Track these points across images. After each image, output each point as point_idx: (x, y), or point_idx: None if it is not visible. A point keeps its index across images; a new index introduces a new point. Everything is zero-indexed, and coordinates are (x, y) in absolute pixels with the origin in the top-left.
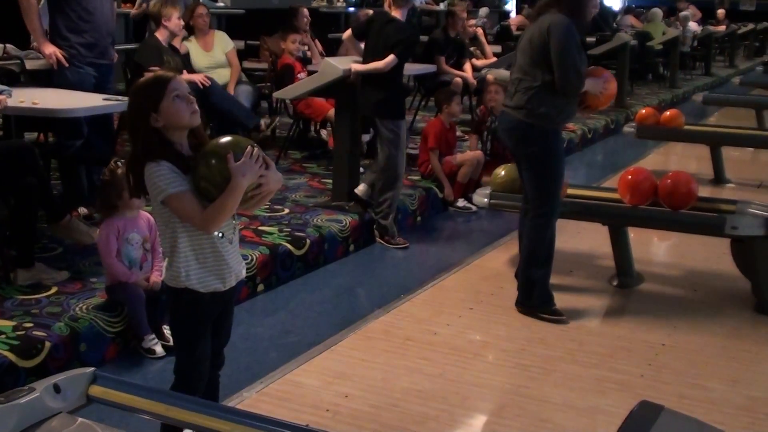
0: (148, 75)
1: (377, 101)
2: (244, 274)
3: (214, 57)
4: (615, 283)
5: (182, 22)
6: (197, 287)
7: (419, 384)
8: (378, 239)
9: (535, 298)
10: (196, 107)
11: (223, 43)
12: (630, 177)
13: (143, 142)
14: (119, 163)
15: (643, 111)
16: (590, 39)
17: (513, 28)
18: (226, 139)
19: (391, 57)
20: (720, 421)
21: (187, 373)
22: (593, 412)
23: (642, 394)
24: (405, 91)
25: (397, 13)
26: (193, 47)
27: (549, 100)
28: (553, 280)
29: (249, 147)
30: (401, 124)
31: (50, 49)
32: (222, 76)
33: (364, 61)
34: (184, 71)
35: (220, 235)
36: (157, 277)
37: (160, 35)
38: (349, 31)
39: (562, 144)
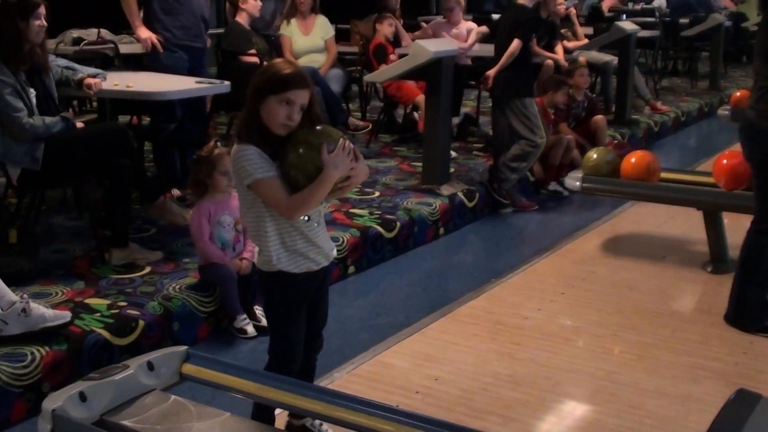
0: (282, 63)
1: (504, 80)
2: (334, 253)
3: (311, 41)
4: (709, 269)
5: (259, 3)
6: (290, 269)
7: (510, 368)
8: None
9: (747, 317)
10: (295, 123)
11: (323, 30)
12: (726, 161)
13: (245, 118)
14: (218, 143)
15: (738, 93)
16: (683, 20)
17: (605, 9)
18: (319, 128)
19: (515, 42)
20: None
21: (282, 354)
22: (686, 400)
23: (736, 383)
24: (533, 69)
25: (524, 0)
26: (293, 29)
27: None
28: (646, 266)
29: (342, 140)
30: (527, 102)
31: (146, 33)
32: (316, 61)
33: (496, 51)
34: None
35: (306, 218)
36: (249, 258)
37: (241, 18)
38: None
39: None
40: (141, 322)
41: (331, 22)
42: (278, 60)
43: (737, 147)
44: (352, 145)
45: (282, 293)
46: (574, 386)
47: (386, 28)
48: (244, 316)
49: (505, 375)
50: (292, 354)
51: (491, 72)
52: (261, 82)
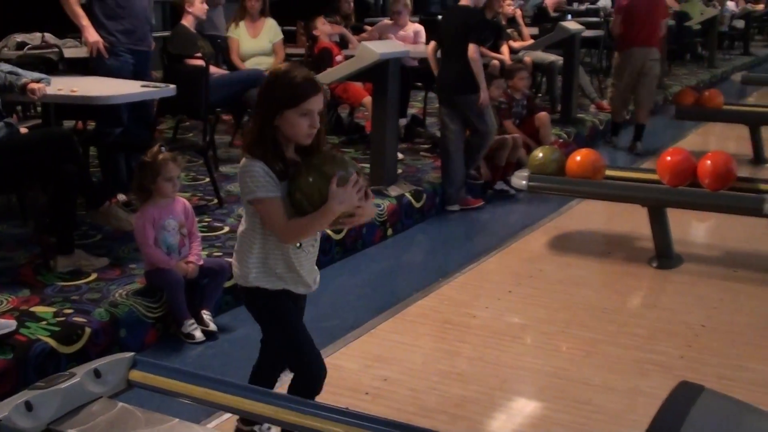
0: (291, 70)
1: (454, 78)
2: (317, 283)
3: (259, 44)
4: (654, 264)
5: (206, 6)
6: (266, 286)
7: (458, 367)
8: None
9: None
10: (315, 130)
11: (271, 33)
12: (669, 158)
13: (256, 132)
14: (163, 148)
15: (682, 91)
16: None
17: (550, 9)
18: (336, 157)
19: (472, 48)
20: (762, 402)
21: (306, 367)
22: (633, 394)
23: (682, 376)
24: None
25: (465, 0)
26: (241, 32)
27: None
28: (593, 262)
29: (354, 175)
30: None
31: (94, 37)
32: (263, 63)
33: (444, 54)
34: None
35: (298, 245)
36: (195, 261)
37: (187, 22)
38: (433, 44)
39: None
40: (87, 330)
41: (278, 23)
42: (285, 67)
43: (680, 144)
44: (363, 183)
45: (267, 308)
46: (523, 383)
47: (322, 27)
48: (192, 320)
49: (454, 373)
50: (314, 364)
51: (485, 99)
52: (274, 96)
